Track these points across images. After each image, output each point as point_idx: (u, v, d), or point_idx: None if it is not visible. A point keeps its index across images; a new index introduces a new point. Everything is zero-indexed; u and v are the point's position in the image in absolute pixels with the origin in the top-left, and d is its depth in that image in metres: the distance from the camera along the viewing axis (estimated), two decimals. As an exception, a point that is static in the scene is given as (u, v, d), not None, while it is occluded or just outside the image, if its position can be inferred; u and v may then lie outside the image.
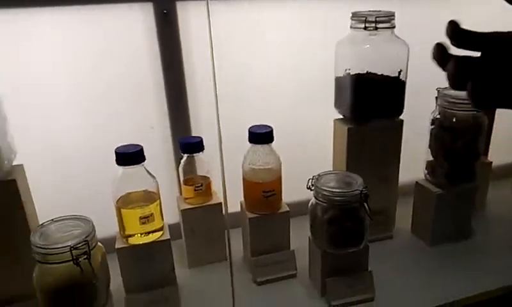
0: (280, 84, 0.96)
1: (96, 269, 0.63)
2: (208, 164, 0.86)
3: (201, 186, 0.85)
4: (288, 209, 0.85)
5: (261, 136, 0.79)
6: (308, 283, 0.84)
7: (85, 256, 0.61)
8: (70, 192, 0.86)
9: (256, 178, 0.81)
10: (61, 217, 0.67)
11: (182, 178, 0.86)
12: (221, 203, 0.87)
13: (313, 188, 0.77)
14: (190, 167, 0.85)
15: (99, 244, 0.67)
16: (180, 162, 0.86)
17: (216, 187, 0.88)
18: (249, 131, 0.80)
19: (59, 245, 0.61)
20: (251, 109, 0.92)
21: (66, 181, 0.87)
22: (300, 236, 0.86)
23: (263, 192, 0.81)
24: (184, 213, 0.85)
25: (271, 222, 0.84)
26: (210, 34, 0.58)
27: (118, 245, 0.75)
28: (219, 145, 0.62)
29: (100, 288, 0.65)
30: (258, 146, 0.80)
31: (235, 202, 0.87)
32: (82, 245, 0.61)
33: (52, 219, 0.66)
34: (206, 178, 0.86)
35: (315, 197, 0.77)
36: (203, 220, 0.86)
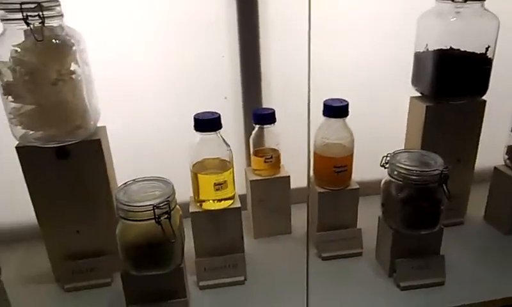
0: (354, 58, 0.93)
1: (175, 229, 0.65)
2: (278, 137, 0.86)
3: (271, 158, 0.85)
4: (358, 186, 0.83)
5: (336, 110, 0.78)
6: (375, 263, 0.83)
7: (166, 216, 0.63)
8: (143, 157, 0.89)
9: (329, 153, 0.80)
10: (142, 177, 0.69)
11: (252, 149, 0.86)
12: (289, 176, 0.87)
13: (387, 165, 0.75)
14: (261, 138, 0.85)
15: (177, 206, 0.69)
16: (249, 134, 0.86)
17: (284, 160, 0.88)
18: (324, 104, 0.79)
19: (142, 204, 0.63)
20: (322, 83, 0.91)
21: (141, 146, 0.90)
22: (364, 217, 0.84)
23: (334, 167, 0.80)
24: (252, 184, 0.86)
25: (340, 198, 0.83)
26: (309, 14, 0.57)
27: (192, 209, 0.77)
28: (307, 118, 0.61)
29: (177, 248, 0.67)
30: (333, 120, 0.79)
31: (300, 177, 0.87)
32: (163, 205, 0.63)
33: (134, 179, 0.69)
34: (275, 151, 0.86)
35: (390, 175, 0.74)
36: (271, 192, 0.87)
